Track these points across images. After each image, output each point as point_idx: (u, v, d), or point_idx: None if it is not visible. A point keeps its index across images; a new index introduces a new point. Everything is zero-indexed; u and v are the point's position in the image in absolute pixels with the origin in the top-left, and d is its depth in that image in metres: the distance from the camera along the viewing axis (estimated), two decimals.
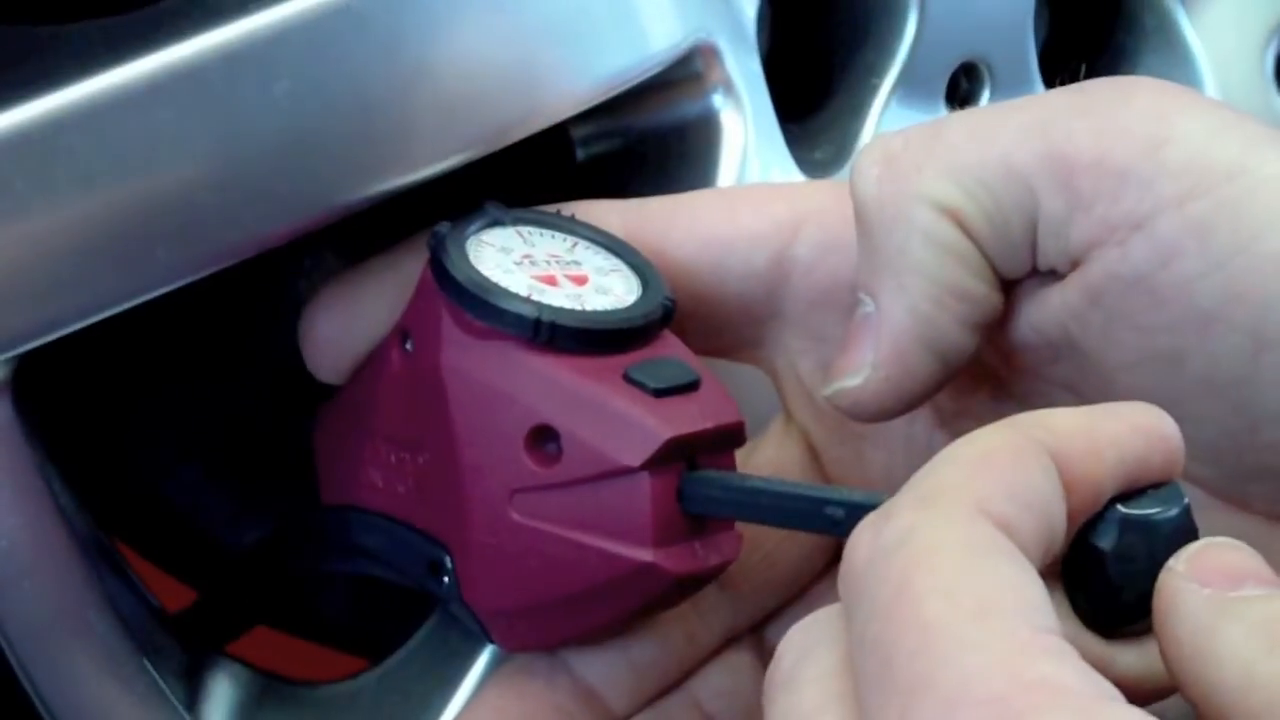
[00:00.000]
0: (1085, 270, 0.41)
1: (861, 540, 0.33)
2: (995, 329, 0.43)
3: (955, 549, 0.32)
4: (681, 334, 0.44)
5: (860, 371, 0.43)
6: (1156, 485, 0.36)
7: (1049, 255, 0.42)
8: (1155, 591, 0.34)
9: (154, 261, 0.42)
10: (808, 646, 0.34)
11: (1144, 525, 0.35)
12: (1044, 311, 0.43)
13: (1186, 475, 0.41)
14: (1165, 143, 0.40)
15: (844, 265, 0.45)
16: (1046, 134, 0.41)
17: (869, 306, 0.43)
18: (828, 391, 0.44)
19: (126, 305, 0.42)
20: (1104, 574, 0.35)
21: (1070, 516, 0.34)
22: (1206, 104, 0.42)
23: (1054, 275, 0.42)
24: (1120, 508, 0.35)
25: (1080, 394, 0.43)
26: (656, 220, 0.47)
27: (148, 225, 0.42)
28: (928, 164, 0.42)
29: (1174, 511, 0.35)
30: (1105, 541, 0.35)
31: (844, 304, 0.45)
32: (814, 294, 0.46)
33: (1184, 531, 0.35)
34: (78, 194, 0.41)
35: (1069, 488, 0.34)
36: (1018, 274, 0.43)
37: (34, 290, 0.41)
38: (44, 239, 0.41)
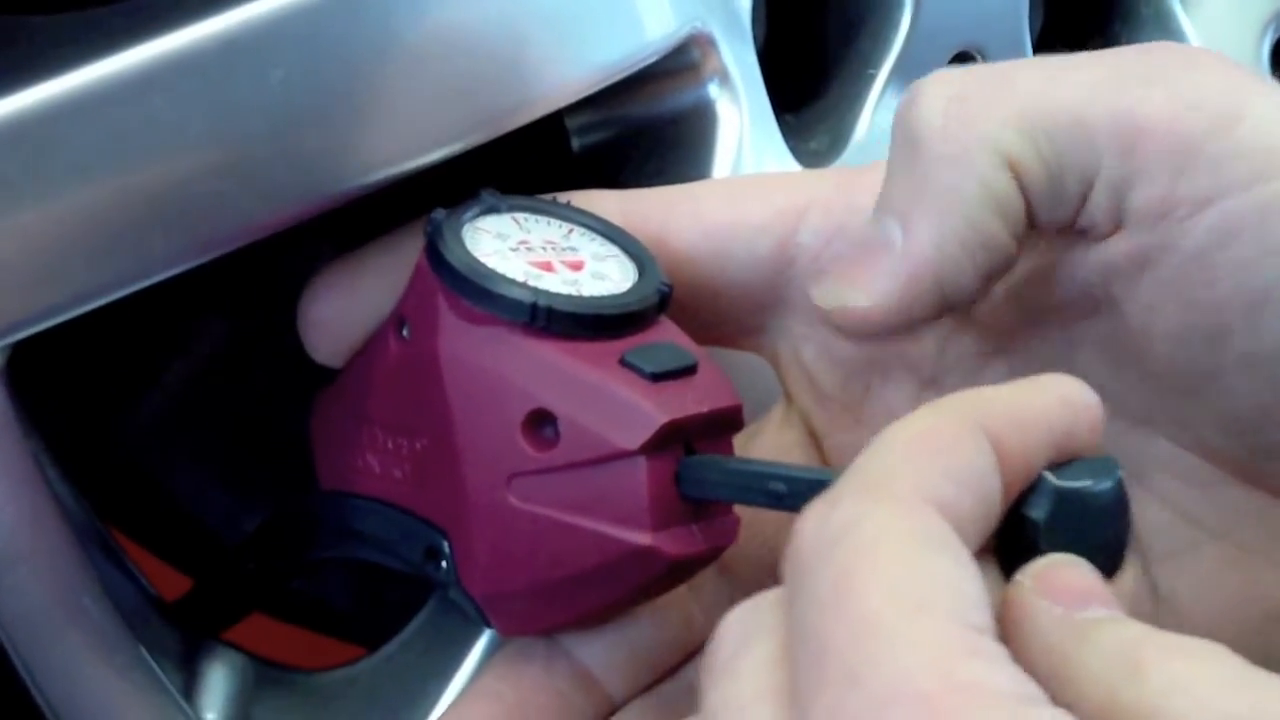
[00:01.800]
0: (1141, 237, 0.41)
1: (807, 526, 0.33)
2: (1029, 287, 0.43)
3: (896, 542, 0.31)
4: (683, 323, 0.44)
5: (870, 294, 0.43)
6: (1091, 458, 0.36)
7: (1094, 214, 0.41)
8: (1004, 602, 0.33)
9: (149, 249, 0.42)
10: (747, 634, 0.34)
11: (1077, 497, 0.35)
12: (1082, 268, 0.42)
13: (1208, 448, 0.41)
14: (1238, 121, 0.39)
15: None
16: (1120, 94, 0.40)
17: (893, 231, 0.42)
18: (831, 305, 0.43)
19: (122, 293, 0.42)
20: (1037, 545, 0.35)
21: (1004, 490, 0.34)
22: (1269, 85, 0.41)
23: (1090, 233, 0.42)
24: (1052, 479, 0.35)
25: (1112, 357, 0.43)
26: (657, 210, 0.46)
27: (143, 213, 0.42)
28: (998, 108, 0.41)
29: (1107, 484, 0.35)
30: (1038, 513, 0.35)
31: None
32: None
33: (1117, 504, 0.36)
34: (73, 182, 0.41)
35: (1002, 462, 0.34)
36: (1054, 226, 0.42)
37: (29, 278, 0.41)
38: (39, 227, 0.41)
